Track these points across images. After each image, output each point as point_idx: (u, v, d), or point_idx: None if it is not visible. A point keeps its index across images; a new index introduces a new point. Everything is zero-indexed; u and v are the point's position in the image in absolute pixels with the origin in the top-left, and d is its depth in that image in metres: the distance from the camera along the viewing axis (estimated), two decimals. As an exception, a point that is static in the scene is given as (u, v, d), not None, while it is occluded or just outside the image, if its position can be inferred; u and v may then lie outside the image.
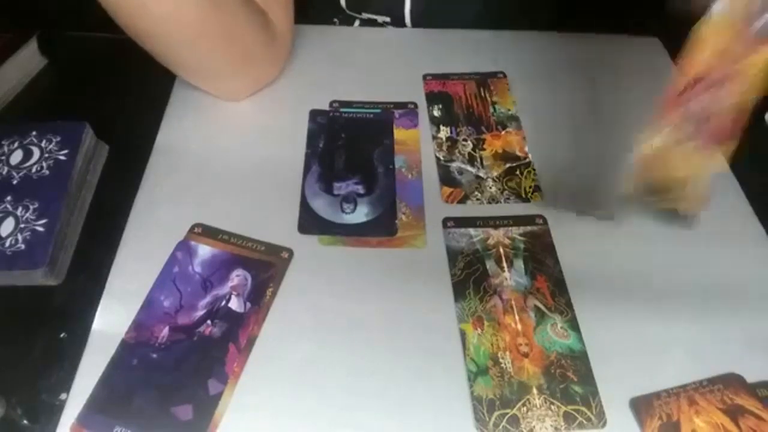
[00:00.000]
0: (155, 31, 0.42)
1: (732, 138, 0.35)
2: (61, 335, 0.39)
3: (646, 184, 0.38)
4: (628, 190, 0.39)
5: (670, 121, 0.35)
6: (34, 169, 0.44)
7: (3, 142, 0.45)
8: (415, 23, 0.60)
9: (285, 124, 0.50)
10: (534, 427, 0.35)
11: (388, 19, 0.61)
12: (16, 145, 0.45)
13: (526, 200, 0.46)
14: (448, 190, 0.46)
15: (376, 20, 0.62)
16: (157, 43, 0.44)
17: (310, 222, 0.44)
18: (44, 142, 0.45)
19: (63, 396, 0.35)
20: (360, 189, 0.46)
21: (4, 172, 0.44)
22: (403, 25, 0.61)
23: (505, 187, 0.47)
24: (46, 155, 0.45)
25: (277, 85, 0.54)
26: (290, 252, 0.42)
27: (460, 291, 0.40)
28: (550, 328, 0.39)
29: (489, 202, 0.46)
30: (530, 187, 0.47)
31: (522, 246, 0.43)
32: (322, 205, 0.45)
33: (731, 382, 0.36)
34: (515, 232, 0.44)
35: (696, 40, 0.33)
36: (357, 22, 0.63)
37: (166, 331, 0.38)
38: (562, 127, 0.51)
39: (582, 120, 0.52)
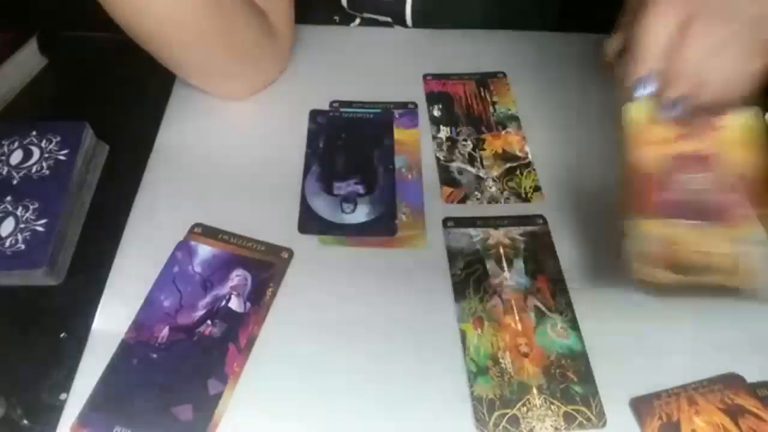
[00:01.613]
0: (155, 32, 0.42)
1: (760, 205, 0.32)
2: (61, 335, 0.39)
3: (674, 265, 0.33)
4: (644, 276, 0.34)
5: (655, 213, 0.33)
6: (34, 169, 0.44)
7: (3, 142, 0.45)
8: (417, 23, 0.60)
9: (285, 124, 0.50)
10: (534, 427, 0.35)
11: (389, 19, 0.61)
12: (16, 145, 0.45)
13: (526, 200, 0.46)
14: (448, 190, 0.46)
15: (377, 20, 0.62)
16: (157, 44, 0.44)
17: (310, 222, 0.44)
18: (44, 142, 0.45)
19: (63, 396, 0.35)
20: (360, 189, 0.46)
21: (4, 172, 0.44)
22: (404, 24, 0.61)
23: (505, 187, 0.47)
24: (46, 155, 0.45)
25: (277, 85, 0.54)
26: (290, 252, 0.42)
27: (460, 291, 0.40)
28: (550, 328, 0.39)
29: (489, 202, 0.46)
30: (530, 187, 0.47)
31: (522, 246, 0.43)
32: (322, 205, 0.45)
33: (731, 382, 0.36)
34: (515, 232, 0.44)
35: (629, 139, 0.35)
36: (357, 20, 0.63)
37: (166, 331, 0.38)
38: (562, 127, 0.51)
39: (582, 119, 0.52)
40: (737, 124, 0.34)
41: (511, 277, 0.41)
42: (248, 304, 0.39)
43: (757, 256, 0.32)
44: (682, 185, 0.34)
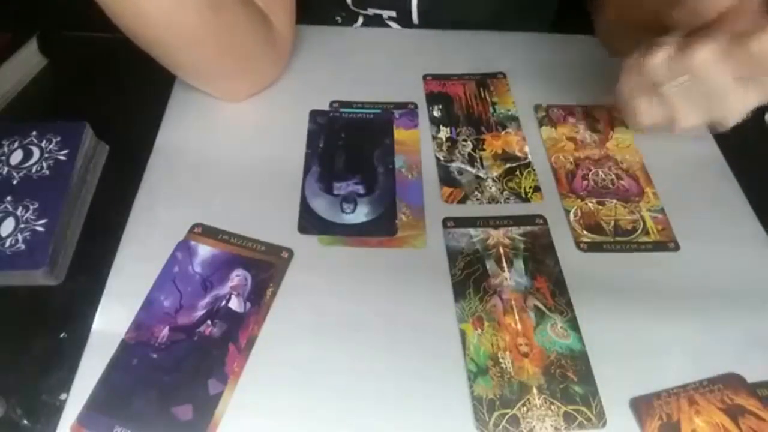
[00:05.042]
0: (155, 34, 0.42)
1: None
2: (61, 335, 0.39)
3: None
4: None
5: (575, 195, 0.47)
6: (34, 169, 0.44)
7: (3, 142, 0.45)
8: (422, 17, 0.60)
9: (285, 124, 0.50)
10: (534, 427, 0.35)
11: (394, 14, 0.61)
12: (16, 145, 0.45)
13: (526, 200, 0.46)
14: (448, 190, 0.46)
15: (381, 15, 0.61)
16: (157, 47, 0.44)
17: (310, 222, 0.44)
18: (44, 142, 0.45)
19: (63, 396, 0.35)
20: (360, 189, 0.46)
21: (4, 172, 0.44)
22: (409, 19, 0.61)
23: (505, 187, 0.47)
24: (46, 155, 0.45)
25: (277, 85, 0.54)
26: (290, 252, 0.42)
27: (460, 291, 0.40)
28: (550, 328, 0.39)
29: (489, 202, 0.46)
30: (530, 187, 0.47)
31: (522, 246, 0.43)
32: (322, 205, 0.45)
33: (731, 382, 0.36)
34: (515, 232, 0.44)
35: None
36: (360, 19, 0.63)
37: (166, 331, 0.38)
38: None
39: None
40: (620, 136, 0.50)
41: (511, 277, 0.41)
42: (248, 304, 0.39)
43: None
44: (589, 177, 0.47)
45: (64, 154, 0.45)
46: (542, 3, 0.65)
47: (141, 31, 0.42)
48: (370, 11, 0.61)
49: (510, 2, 0.62)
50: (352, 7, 0.61)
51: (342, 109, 0.52)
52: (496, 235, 0.43)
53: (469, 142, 0.50)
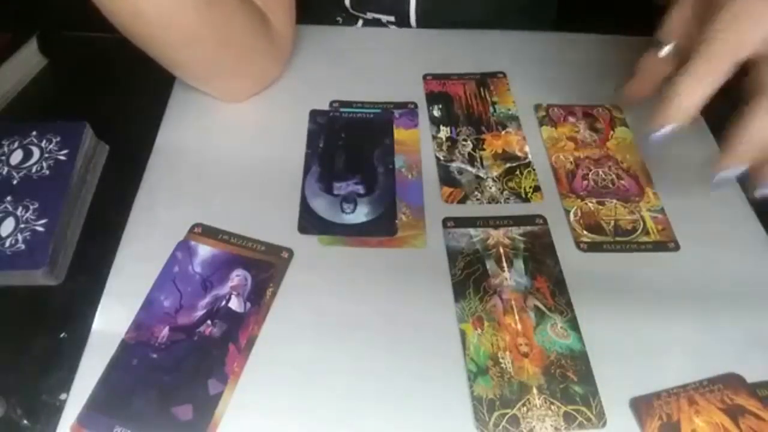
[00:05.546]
0: (153, 33, 0.42)
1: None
2: (61, 335, 0.39)
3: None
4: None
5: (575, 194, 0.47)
6: (34, 169, 0.44)
7: (3, 142, 0.45)
8: (420, 22, 0.60)
9: (285, 124, 0.50)
10: (534, 427, 0.35)
11: (392, 18, 0.61)
12: (16, 145, 0.45)
13: (526, 200, 0.46)
14: (448, 190, 0.46)
15: (380, 20, 0.62)
16: (155, 45, 0.44)
17: (310, 222, 0.44)
18: (44, 142, 0.45)
19: (63, 396, 0.35)
20: (360, 189, 0.46)
21: (4, 172, 0.44)
22: (408, 23, 0.61)
23: (505, 187, 0.47)
24: (46, 155, 0.45)
25: (277, 85, 0.54)
26: (290, 252, 0.42)
27: (460, 291, 0.40)
28: (550, 328, 0.39)
29: (489, 202, 0.46)
30: (530, 187, 0.47)
31: (522, 246, 0.43)
32: (322, 205, 0.45)
33: (731, 382, 0.36)
34: (515, 232, 0.44)
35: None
36: (360, 22, 0.63)
37: (166, 331, 0.38)
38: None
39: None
40: (620, 136, 0.50)
41: (511, 277, 0.41)
42: (248, 304, 0.39)
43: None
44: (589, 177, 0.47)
45: (64, 154, 0.45)
46: (542, 2, 0.65)
47: (138, 30, 0.42)
48: (369, 15, 0.61)
49: (509, 2, 0.62)
50: (351, 11, 0.61)
51: (342, 109, 0.52)
52: (496, 235, 0.43)
53: (469, 142, 0.50)
